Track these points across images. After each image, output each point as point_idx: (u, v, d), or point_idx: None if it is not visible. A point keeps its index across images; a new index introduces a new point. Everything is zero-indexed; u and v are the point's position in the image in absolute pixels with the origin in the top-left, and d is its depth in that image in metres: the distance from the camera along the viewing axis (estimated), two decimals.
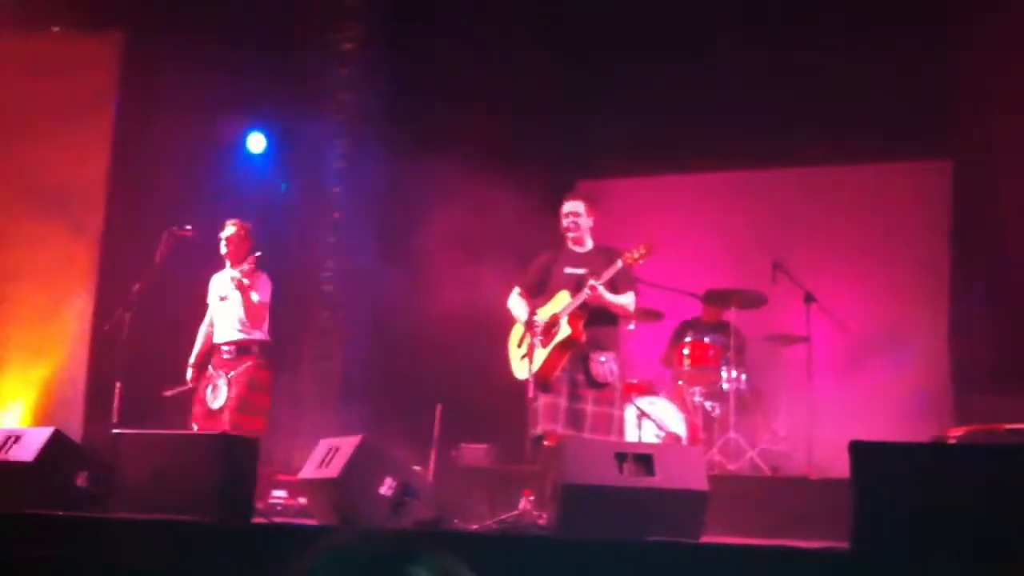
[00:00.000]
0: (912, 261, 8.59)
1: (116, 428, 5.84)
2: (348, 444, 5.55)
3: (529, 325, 6.04)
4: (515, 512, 5.75)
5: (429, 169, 8.84)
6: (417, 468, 6.27)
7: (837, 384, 8.07)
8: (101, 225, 8.76)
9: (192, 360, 6.83)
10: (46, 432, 5.69)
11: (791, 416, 7.89)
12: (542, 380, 5.96)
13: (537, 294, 6.29)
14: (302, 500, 6.79)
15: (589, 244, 6.30)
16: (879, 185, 8.84)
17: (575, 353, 6.02)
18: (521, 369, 6.11)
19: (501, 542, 4.80)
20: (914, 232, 8.66)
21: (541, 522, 5.50)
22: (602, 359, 6.03)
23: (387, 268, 8.76)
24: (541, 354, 5.98)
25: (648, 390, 7.81)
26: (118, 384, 6.36)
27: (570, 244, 6.29)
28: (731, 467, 7.49)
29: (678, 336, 8.31)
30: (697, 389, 7.97)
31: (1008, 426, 6.33)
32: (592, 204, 6.34)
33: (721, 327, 8.13)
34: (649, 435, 7.34)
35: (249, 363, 6.64)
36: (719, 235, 8.81)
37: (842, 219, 8.80)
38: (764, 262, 7.88)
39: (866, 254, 8.65)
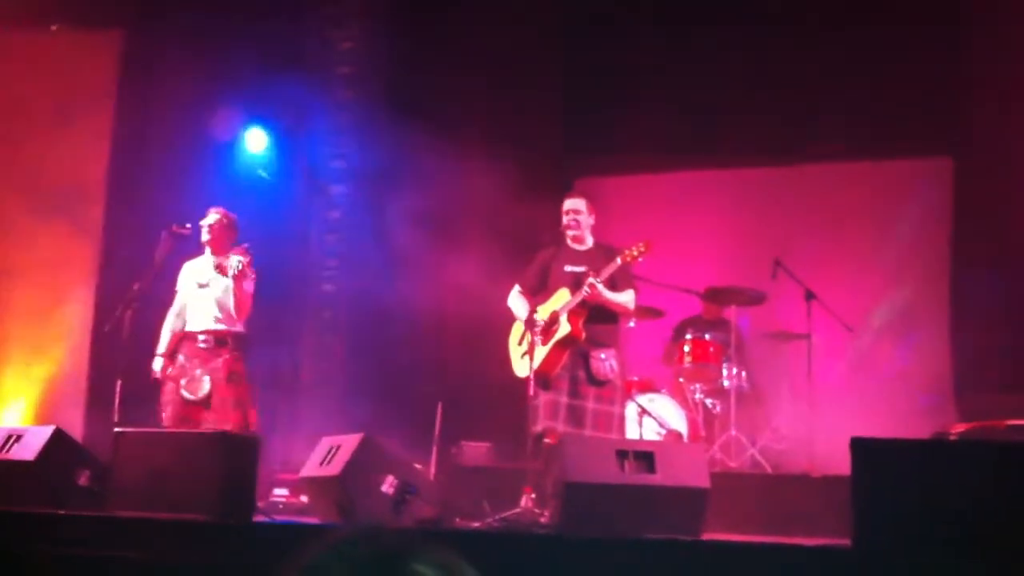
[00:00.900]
0: (913, 258, 8.58)
1: (117, 426, 5.83)
2: (349, 442, 5.55)
3: (529, 323, 6.05)
4: (516, 510, 5.75)
5: (429, 168, 8.84)
6: (418, 466, 6.26)
7: (838, 381, 8.07)
8: (101, 223, 8.76)
9: (162, 349, 6.65)
10: (47, 431, 5.68)
11: (792, 413, 7.89)
12: (542, 378, 5.97)
13: (537, 292, 6.29)
14: (304, 498, 6.79)
15: (589, 242, 6.31)
16: (880, 182, 8.83)
17: (575, 351, 6.02)
18: (522, 367, 6.11)
19: (502, 540, 4.80)
20: (915, 229, 8.65)
21: (542, 520, 5.50)
22: (602, 356, 6.04)
23: (387, 267, 8.76)
24: (541, 352, 5.98)
25: (649, 387, 7.81)
26: (119, 382, 6.35)
27: (570, 242, 6.30)
28: (732, 464, 7.49)
29: (679, 333, 8.31)
30: (698, 386, 7.96)
31: (1009, 423, 6.33)
32: (593, 202, 6.35)
33: (722, 324, 8.13)
34: (650, 432, 7.34)
35: (225, 356, 6.53)
36: (720, 232, 8.80)
37: (843, 216, 8.80)
38: (765, 259, 7.87)
39: (867, 251, 8.64)
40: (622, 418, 6.32)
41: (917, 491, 3.89)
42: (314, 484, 5.87)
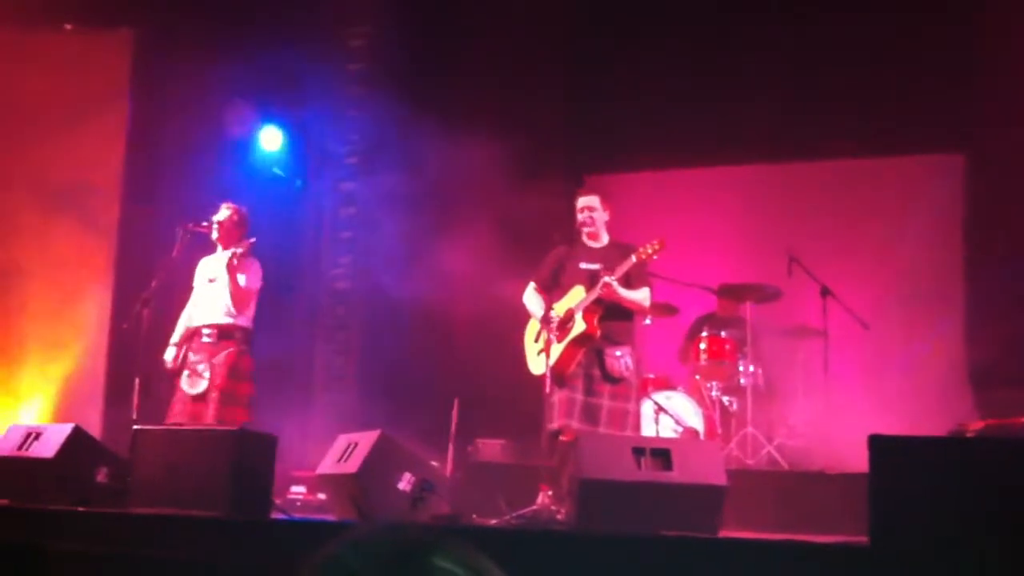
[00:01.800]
0: (928, 254, 8.56)
1: (135, 424, 5.86)
2: (367, 439, 5.57)
3: (545, 321, 6.04)
4: (532, 507, 5.76)
5: (440, 166, 8.85)
6: (435, 463, 6.27)
7: (854, 377, 8.04)
8: (117, 221, 8.79)
9: (175, 339, 6.67)
10: (66, 428, 5.72)
11: (808, 410, 7.87)
12: (558, 375, 5.97)
13: (552, 289, 6.29)
14: (321, 496, 6.81)
15: (605, 239, 6.30)
16: (893, 178, 8.81)
17: (590, 348, 6.02)
18: (537, 364, 6.11)
19: (519, 537, 4.81)
20: (929, 225, 8.62)
21: (559, 517, 5.50)
22: (617, 354, 6.03)
23: (402, 264, 8.77)
24: (556, 349, 5.98)
25: (665, 385, 7.80)
26: (137, 380, 6.37)
27: (585, 239, 6.29)
28: (749, 462, 7.48)
29: (694, 331, 8.30)
30: (714, 383, 7.95)
31: None
32: (606, 198, 6.33)
33: (737, 321, 8.12)
34: (666, 430, 7.34)
35: (230, 349, 6.54)
36: (734, 229, 8.79)
37: (857, 213, 8.78)
38: (780, 256, 7.86)
39: (881, 247, 8.62)
40: (637, 415, 6.31)
41: (935, 489, 3.88)
42: (331, 481, 5.89)
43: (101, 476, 5.64)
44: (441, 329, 9.02)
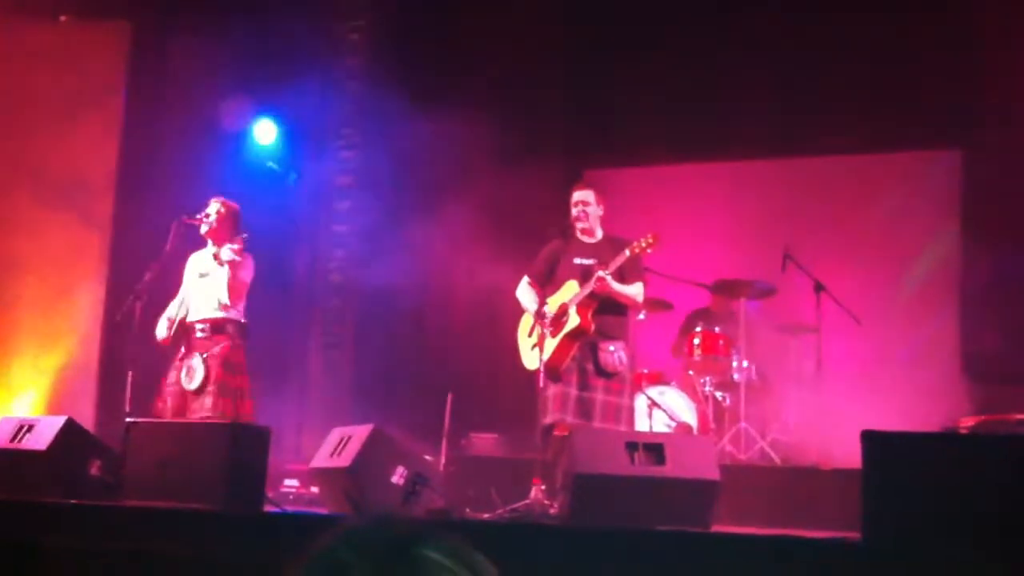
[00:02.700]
0: (923, 249, 8.57)
1: (128, 417, 5.85)
2: (360, 433, 5.57)
3: (539, 315, 6.05)
4: (525, 501, 5.77)
5: (437, 159, 8.85)
6: (428, 457, 6.28)
7: (848, 373, 8.06)
8: (111, 214, 8.76)
9: (169, 313, 6.63)
10: (59, 421, 5.71)
11: (802, 406, 7.89)
12: (552, 370, 5.97)
13: (546, 283, 6.29)
14: (314, 489, 6.81)
15: (599, 234, 6.30)
16: (889, 174, 8.81)
17: (584, 342, 6.03)
18: (531, 359, 6.12)
19: (512, 531, 4.81)
20: (924, 221, 8.64)
21: (552, 511, 5.51)
22: (611, 348, 6.04)
23: (396, 258, 8.77)
24: (550, 344, 5.98)
25: (659, 380, 7.81)
26: (130, 373, 6.36)
27: (579, 234, 6.29)
28: (742, 457, 7.49)
29: (688, 326, 8.30)
30: (708, 379, 7.96)
31: (1020, 416, 6.32)
32: (601, 193, 6.33)
33: (731, 317, 8.13)
34: (660, 425, 7.35)
35: (224, 343, 6.49)
36: (729, 225, 8.79)
37: (852, 209, 8.78)
38: (774, 252, 7.86)
39: (876, 243, 8.63)
40: (631, 410, 6.32)
41: (927, 484, 3.89)
42: (324, 475, 5.89)
43: (94, 469, 5.63)
44: (435, 323, 9.02)
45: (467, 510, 5.93)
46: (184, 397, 6.45)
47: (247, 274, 6.64)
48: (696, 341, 8.00)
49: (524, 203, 8.43)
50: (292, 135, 9.48)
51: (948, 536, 3.81)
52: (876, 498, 3.94)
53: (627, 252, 5.97)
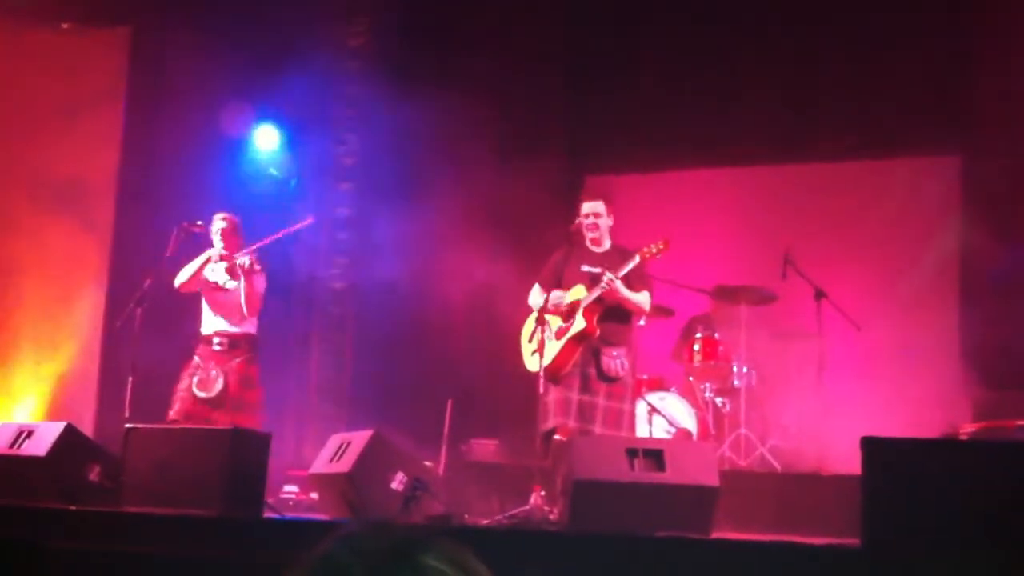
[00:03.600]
0: (923, 256, 8.56)
1: (128, 423, 5.85)
2: (360, 439, 5.57)
3: (539, 320, 6.03)
4: (525, 507, 5.76)
5: (438, 165, 8.84)
6: (428, 463, 6.27)
7: (848, 380, 8.05)
8: (112, 220, 8.77)
9: (195, 265, 6.72)
10: (59, 427, 5.71)
11: (802, 412, 7.88)
12: (553, 374, 5.97)
13: (555, 290, 6.28)
14: (314, 495, 6.80)
15: (607, 244, 6.30)
16: (890, 181, 8.81)
17: (587, 347, 6.03)
18: (533, 362, 6.11)
19: (511, 537, 4.81)
20: (924, 227, 8.63)
21: (551, 517, 5.50)
22: (614, 354, 6.04)
23: (397, 264, 8.77)
24: (554, 347, 5.98)
25: (659, 386, 7.81)
26: (130, 379, 6.37)
27: (588, 243, 6.28)
28: (741, 463, 7.49)
29: (689, 332, 8.30)
30: (708, 385, 7.96)
31: (1019, 423, 6.32)
32: (611, 204, 6.34)
33: (732, 323, 8.12)
34: (660, 431, 7.34)
35: (240, 358, 6.62)
36: (729, 231, 8.79)
37: (853, 215, 8.78)
38: (775, 258, 7.85)
39: (877, 250, 8.62)
40: (632, 416, 6.32)
41: (927, 490, 3.89)
42: (324, 481, 5.89)
43: (93, 474, 5.63)
44: (435, 329, 9.01)
45: (466, 516, 5.93)
46: (195, 403, 6.48)
47: (261, 284, 6.69)
48: (696, 347, 8.00)
49: (525, 209, 8.43)
50: (292, 141, 9.48)
51: (948, 542, 3.81)
52: (876, 504, 3.94)
53: (637, 257, 5.98)
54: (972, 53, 8.21)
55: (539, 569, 3.91)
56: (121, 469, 5.42)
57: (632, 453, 4.91)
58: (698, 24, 8.94)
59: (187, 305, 7.19)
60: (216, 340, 6.66)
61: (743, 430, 7.64)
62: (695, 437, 7.55)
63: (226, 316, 6.69)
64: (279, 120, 9.36)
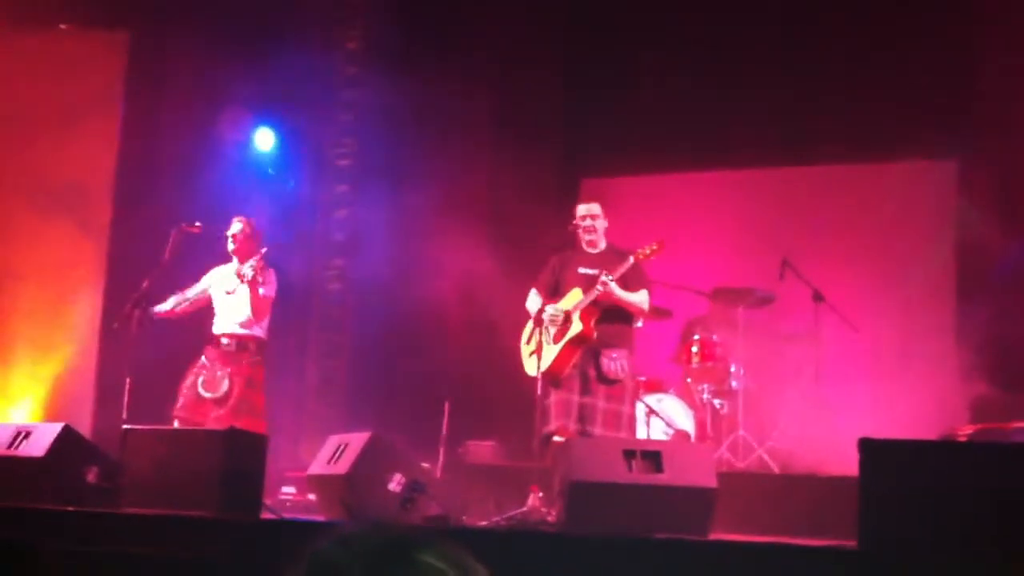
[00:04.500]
0: (920, 259, 8.57)
1: (125, 424, 5.85)
2: (357, 440, 5.57)
3: (537, 322, 6.04)
4: (523, 509, 5.76)
5: (434, 168, 8.85)
6: (425, 465, 6.27)
7: (845, 382, 8.05)
8: (109, 222, 8.78)
9: (163, 307, 6.79)
10: (56, 428, 5.70)
11: (799, 414, 7.88)
12: (553, 376, 5.98)
13: (553, 294, 6.31)
14: (311, 496, 6.80)
15: (602, 245, 6.32)
16: (888, 184, 8.81)
17: (587, 349, 6.04)
18: (532, 365, 6.12)
19: (509, 539, 4.81)
20: (922, 230, 8.64)
21: (549, 519, 5.50)
22: (614, 355, 6.06)
23: (394, 266, 8.77)
24: (552, 350, 5.99)
25: (657, 387, 7.81)
26: (127, 380, 6.37)
27: (584, 246, 6.30)
28: (739, 464, 7.49)
29: (687, 334, 8.30)
30: (706, 387, 7.96)
31: (1017, 425, 6.32)
32: (606, 205, 6.37)
33: (730, 325, 8.12)
34: (658, 432, 7.34)
35: (247, 360, 6.68)
36: (727, 233, 8.80)
37: (851, 218, 8.79)
38: (773, 260, 7.86)
39: (874, 252, 8.63)
40: (632, 418, 6.33)
41: (925, 492, 3.89)
42: (322, 482, 5.88)
43: (91, 476, 5.62)
44: (433, 331, 9.01)
45: (464, 517, 5.92)
46: (197, 403, 6.51)
47: (270, 289, 6.73)
48: (694, 349, 8.00)
49: (522, 211, 8.43)
50: (290, 143, 9.48)
51: (945, 544, 3.81)
52: (873, 506, 3.94)
53: (631, 259, 5.99)
54: (969, 57, 8.22)
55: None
56: (119, 470, 5.42)
57: (630, 454, 4.91)
58: (696, 27, 8.95)
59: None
60: (225, 340, 6.72)
61: (741, 432, 7.64)
62: (693, 439, 7.55)
63: (235, 319, 6.73)
64: (276, 122, 9.36)
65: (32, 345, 8.57)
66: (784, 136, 8.81)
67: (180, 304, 6.86)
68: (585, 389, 6.00)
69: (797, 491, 6.62)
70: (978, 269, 8.12)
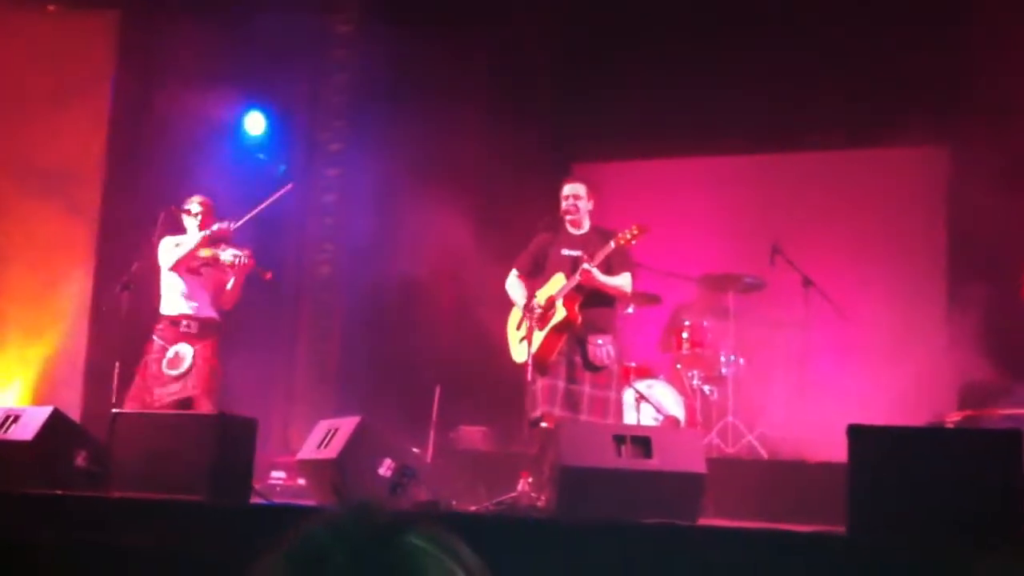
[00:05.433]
0: (910, 245, 8.59)
1: (115, 407, 5.83)
2: (347, 425, 5.57)
3: (527, 309, 6.05)
4: (513, 494, 5.76)
5: (426, 152, 8.82)
6: (415, 450, 6.27)
7: (835, 368, 8.07)
8: (99, 204, 8.73)
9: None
10: (45, 411, 5.68)
11: (789, 400, 7.90)
12: (540, 363, 5.98)
13: (534, 276, 6.30)
14: (301, 481, 6.80)
15: (586, 226, 6.32)
16: (878, 170, 8.83)
17: (572, 335, 6.03)
18: (519, 352, 6.12)
19: (498, 524, 4.81)
20: (913, 216, 8.66)
21: (539, 504, 5.51)
22: (599, 342, 6.05)
23: (384, 250, 8.76)
24: (538, 337, 5.99)
25: (647, 373, 7.82)
26: (116, 363, 6.34)
27: (568, 226, 6.30)
28: (729, 450, 7.51)
29: (677, 320, 8.31)
30: (695, 372, 7.97)
31: (1004, 411, 6.35)
32: (592, 188, 6.36)
33: (720, 311, 8.13)
34: (647, 418, 7.35)
35: (208, 341, 6.49)
36: (717, 219, 8.80)
37: (841, 204, 8.80)
38: (763, 246, 7.87)
39: (865, 238, 8.64)
40: (618, 403, 6.34)
41: (913, 478, 3.91)
42: (311, 467, 5.88)
43: (80, 459, 5.60)
44: (423, 316, 9.00)
45: (454, 503, 5.93)
46: (161, 382, 6.36)
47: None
48: (684, 335, 8.01)
49: (512, 196, 8.42)
50: (281, 127, 9.45)
51: (932, 530, 3.83)
52: (862, 492, 3.96)
53: (612, 243, 5.98)
54: (961, 42, 8.21)
55: None
56: (108, 454, 5.41)
57: (619, 440, 4.91)
58: (687, 12, 8.93)
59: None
60: (184, 323, 6.52)
61: (730, 418, 7.66)
62: (683, 425, 7.57)
63: (199, 300, 6.58)
64: (267, 106, 9.33)
65: (21, 328, 8.53)
66: (775, 122, 8.81)
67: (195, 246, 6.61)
68: (571, 376, 6.00)
69: (786, 477, 6.65)
70: (969, 256, 8.14)
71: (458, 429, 8.02)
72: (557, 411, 5.91)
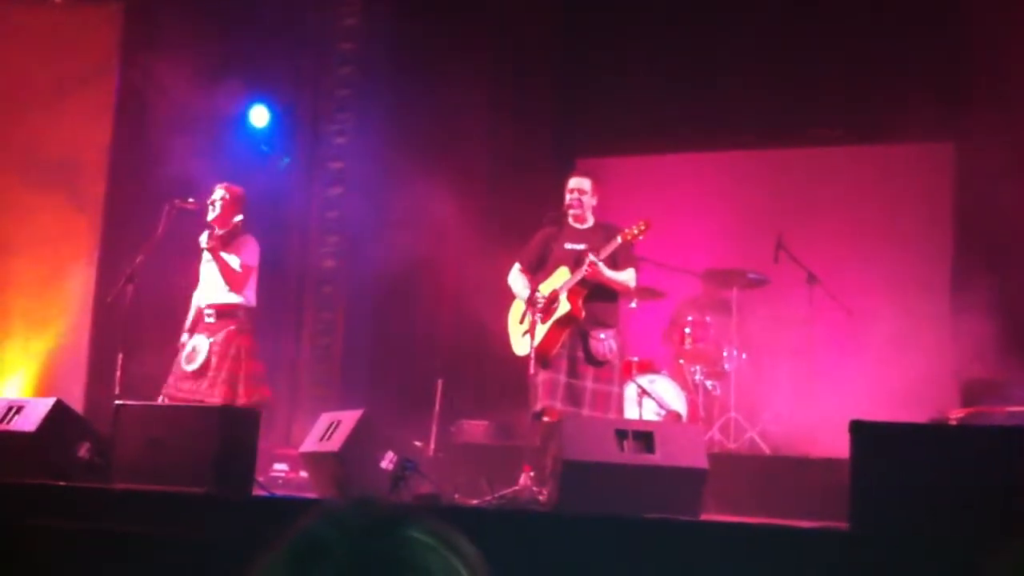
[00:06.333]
0: (914, 241, 8.58)
1: (118, 399, 5.84)
2: (350, 418, 5.57)
3: (530, 302, 6.04)
4: (515, 488, 5.77)
5: (429, 146, 8.82)
6: (417, 443, 6.28)
7: (838, 364, 8.07)
8: (103, 196, 8.74)
9: (187, 326, 6.66)
10: (48, 403, 5.69)
11: (792, 396, 7.90)
12: (542, 356, 5.97)
13: (537, 270, 6.29)
14: (303, 474, 6.81)
15: (590, 220, 6.30)
16: (883, 166, 8.82)
17: (574, 329, 6.03)
18: (522, 345, 6.11)
19: (500, 518, 4.82)
20: (918, 212, 8.64)
21: (541, 498, 5.51)
22: (601, 336, 6.04)
23: (388, 243, 8.75)
24: (541, 330, 5.98)
25: (649, 368, 7.81)
26: (120, 355, 6.35)
27: (571, 221, 6.29)
28: (731, 446, 7.50)
29: (679, 315, 8.31)
30: (698, 368, 7.97)
31: (1009, 408, 6.34)
32: (597, 182, 6.34)
33: (723, 306, 8.13)
34: (650, 413, 7.35)
35: (231, 328, 6.47)
36: (721, 214, 8.79)
37: (845, 199, 8.79)
38: (767, 242, 7.86)
39: (869, 234, 8.63)
40: (620, 398, 6.33)
41: (916, 475, 3.90)
42: (314, 459, 5.89)
43: (83, 451, 5.61)
44: (426, 310, 9.01)
45: (456, 496, 5.93)
46: (183, 377, 6.42)
47: (250, 258, 6.61)
48: (687, 330, 8.01)
49: (515, 190, 8.42)
50: (285, 119, 9.44)
51: (935, 526, 3.82)
52: (864, 488, 3.95)
53: (619, 239, 5.97)
54: (965, 38, 8.19)
55: None
56: (110, 446, 5.41)
57: (622, 435, 4.91)
58: (691, 7, 8.92)
59: (178, 283, 7.17)
60: (208, 312, 6.58)
61: (733, 413, 7.66)
62: (685, 420, 7.56)
63: (217, 287, 6.61)
64: (271, 98, 9.32)
65: (25, 320, 8.54)
66: (780, 118, 8.81)
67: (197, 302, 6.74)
68: (573, 371, 5.99)
69: (788, 473, 6.65)
70: (974, 252, 8.12)
71: (460, 423, 8.02)
72: (559, 405, 5.90)
